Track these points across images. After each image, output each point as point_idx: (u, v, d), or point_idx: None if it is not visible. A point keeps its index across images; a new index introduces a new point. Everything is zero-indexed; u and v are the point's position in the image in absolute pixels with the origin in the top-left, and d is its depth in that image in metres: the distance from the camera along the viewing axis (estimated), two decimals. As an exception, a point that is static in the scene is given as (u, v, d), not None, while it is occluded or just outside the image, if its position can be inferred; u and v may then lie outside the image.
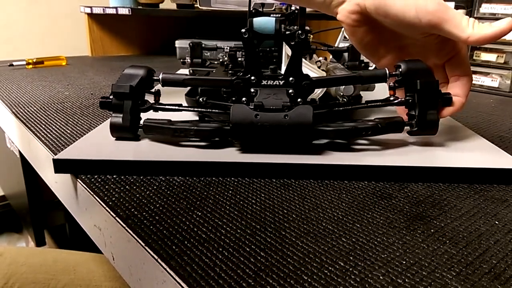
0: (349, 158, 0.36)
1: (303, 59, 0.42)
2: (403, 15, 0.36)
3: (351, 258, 0.24)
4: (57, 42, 1.52)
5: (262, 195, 0.32)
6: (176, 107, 0.41)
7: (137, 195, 0.31)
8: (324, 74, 0.50)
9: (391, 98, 0.40)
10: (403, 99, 0.39)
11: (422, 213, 0.30)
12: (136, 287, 0.28)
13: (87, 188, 0.33)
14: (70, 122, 0.49)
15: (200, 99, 0.42)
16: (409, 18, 0.36)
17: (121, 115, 0.38)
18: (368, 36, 0.40)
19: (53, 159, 0.34)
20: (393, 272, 0.23)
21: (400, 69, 0.39)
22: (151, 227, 0.27)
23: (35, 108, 0.55)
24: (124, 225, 0.28)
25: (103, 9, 1.07)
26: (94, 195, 0.32)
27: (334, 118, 0.40)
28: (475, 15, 0.74)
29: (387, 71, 0.39)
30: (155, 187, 0.33)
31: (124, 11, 1.06)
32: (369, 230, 0.27)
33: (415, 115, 0.38)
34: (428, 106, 0.38)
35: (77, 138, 0.42)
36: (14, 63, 0.90)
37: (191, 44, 0.64)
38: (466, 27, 0.35)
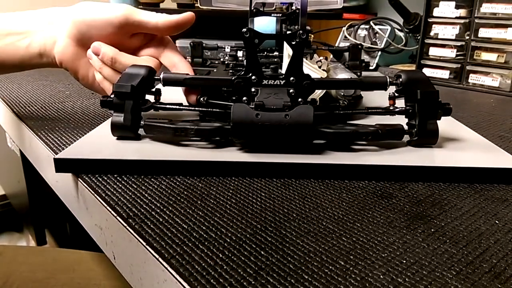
0: (350, 157, 0.37)
1: (304, 59, 0.42)
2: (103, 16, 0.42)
3: (352, 257, 0.24)
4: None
5: (263, 194, 0.32)
6: (177, 107, 0.41)
7: (138, 195, 0.31)
8: (325, 74, 0.51)
9: (391, 108, 0.40)
10: (403, 108, 0.39)
11: (422, 212, 0.30)
12: (137, 286, 0.28)
13: (88, 188, 0.33)
14: (71, 122, 0.49)
15: (201, 98, 0.42)
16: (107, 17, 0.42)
17: (122, 115, 0.38)
18: (84, 62, 0.45)
19: (54, 159, 0.35)
20: (393, 271, 0.23)
21: (401, 79, 0.39)
22: (152, 226, 0.27)
23: (36, 108, 0.55)
24: (125, 225, 0.28)
25: (104, 9, 1.07)
26: (95, 195, 0.32)
27: (334, 119, 0.40)
28: (475, 15, 0.74)
29: (388, 79, 0.39)
30: (156, 187, 0.33)
31: (124, 10, 1.06)
32: (370, 230, 0.27)
33: (415, 124, 0.39)
34: (428, 116, 0.38)
35: (78, 137, 0.42)
36: (15, 63, 0.90)
37: (191, 43, 0.64)
38: (154, 16, 0.44)
